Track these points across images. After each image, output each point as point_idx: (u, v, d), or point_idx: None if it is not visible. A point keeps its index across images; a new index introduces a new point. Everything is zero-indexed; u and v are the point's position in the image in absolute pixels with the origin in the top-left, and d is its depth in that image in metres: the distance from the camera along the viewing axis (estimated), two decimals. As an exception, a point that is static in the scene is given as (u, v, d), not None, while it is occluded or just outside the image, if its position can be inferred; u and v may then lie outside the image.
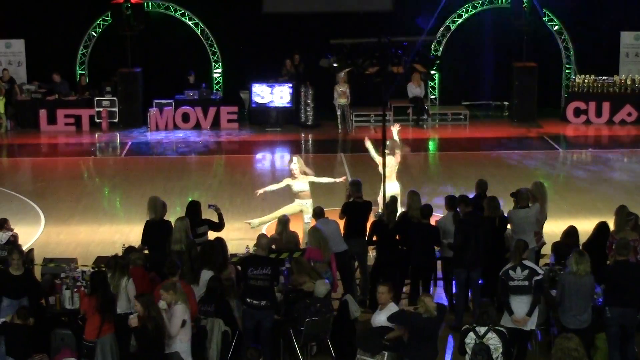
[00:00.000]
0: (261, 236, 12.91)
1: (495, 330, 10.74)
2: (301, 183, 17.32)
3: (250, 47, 29.50)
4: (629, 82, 28.49)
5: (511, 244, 14.32)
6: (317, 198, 17.76)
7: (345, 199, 15.53)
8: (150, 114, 28.23)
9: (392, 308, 11.82)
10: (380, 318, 11.85)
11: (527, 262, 12.22)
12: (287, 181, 17.50)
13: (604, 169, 23.70)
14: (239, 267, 13.33)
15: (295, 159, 17.57)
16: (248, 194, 20.84)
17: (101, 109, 28.32)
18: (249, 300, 12.46)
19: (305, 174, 17.49)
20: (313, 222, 15.18)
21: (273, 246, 15.00)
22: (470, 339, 10.74)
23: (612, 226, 13.95)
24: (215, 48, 29.47)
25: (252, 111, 28.87)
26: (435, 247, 14.67)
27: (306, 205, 17.14)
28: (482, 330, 10.74)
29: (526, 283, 11.94)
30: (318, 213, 14.94)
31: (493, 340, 10.68)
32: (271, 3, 29.58)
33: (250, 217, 18.32)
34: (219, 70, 29.68)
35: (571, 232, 14.20)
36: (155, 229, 14.20)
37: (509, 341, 10.83)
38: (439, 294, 15.21)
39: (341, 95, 27.64)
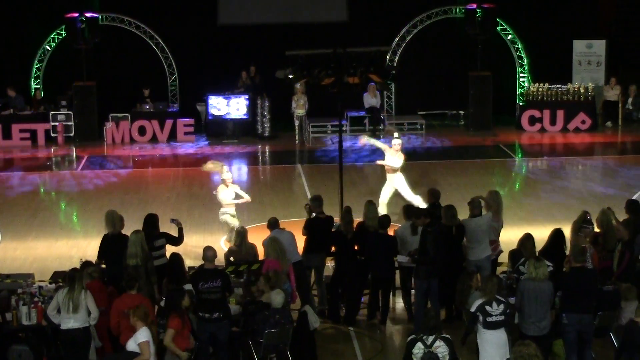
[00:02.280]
0: (207, 248, 12.87)
1: (442, 338, 10.77)
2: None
3: (205, 59, 29.47)
4: (582, 90, 28.80)
5: (466, 252, 14.45)
6: (273, 210, 17.79)
7: (307, 214, 15.44)
8: (106, 127, 28.09)
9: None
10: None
11: (500, 297, 11.77)
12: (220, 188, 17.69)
13: (559, 177, 23.91)
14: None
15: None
16: (206, 206, 20.81)
17: (57, 123, 28.12)
18: (201, 314, 12.47)
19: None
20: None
21: (231, 258, 15.00)
22: (419, 348, 10.74)
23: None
24: (170, 60, 29.40)
25: (208, 123, 28.81)
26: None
27: None
28: (429, 339, 10.75)
29: (502, 317, 11.62)
30: (273, 224, 14.94)
31: (441, 349, 10.72)
32: (226, 15, 29.63)
33: (208, 229, 18.33)
34: (175, 83, 29.60)
35: (527, 240, 14.18)
36: (113, 243, 14.12)
37: (454, 348, 10.84)
38: (398, 303, 15.28)
39: (299, 106, 27.68)
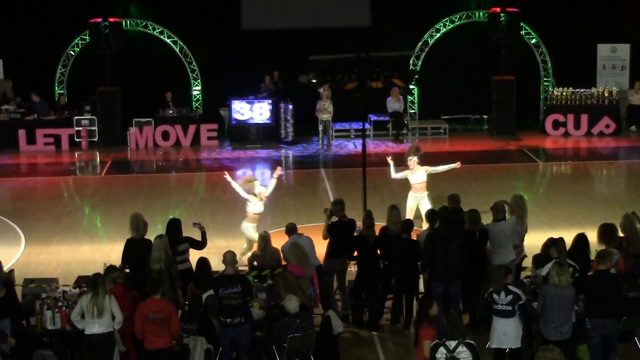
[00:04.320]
0: (226, 252, 12.92)
1: (465, 343, 10.79)
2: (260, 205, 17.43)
3: (229, 64, 29.54)
4: (606, 94, 28.66)
5: (490, 257, 14.42)
6: (296, 215, 17.78)
7: (326, 219, 15.38)
8: (130, 132, 28.20)
9: None
10: None
11: (511, 287, 12.23)
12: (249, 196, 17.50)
13: (583, 181, 23.80)
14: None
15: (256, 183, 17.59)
16: (229, 211, 20.85)
17: (80, 128, 28.25)
18: (222, 319, 12.53)
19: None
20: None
21: (255, 263, 15.02)
22: (441, 353, 10.78)
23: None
24: (194, 66, 29.48)
25: (231, 128, 28.87)
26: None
27: None
28: (452, 344, 10.78)
29: (509, 308, 12.03)
30: (291, 229, 14.95)
31: (464, 354, 10.73)
32: (250, 19, 29.68)
33: (231, 234, 18.33)
34: (198, 88, 29.68)
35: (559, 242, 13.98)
36: (136, 248, 14.18)
37: (478, 354, 10.87)
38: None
39: (323, 110, 27.67)
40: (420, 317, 11.66)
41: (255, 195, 17.27)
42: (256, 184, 17.49)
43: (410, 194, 18.31)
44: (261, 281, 14.27)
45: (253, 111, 28.50)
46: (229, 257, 12.77)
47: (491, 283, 12.49)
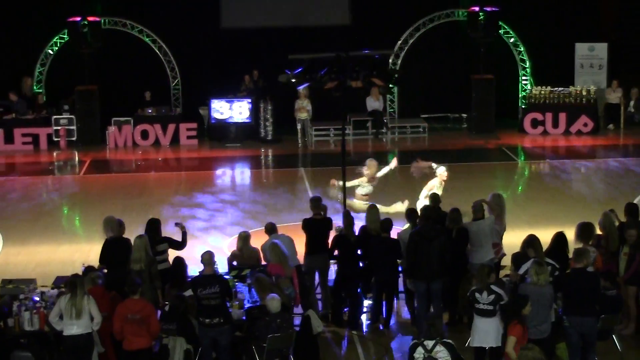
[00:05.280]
0: (204, 252, 12.92)
1: (443, 343, 10.80)
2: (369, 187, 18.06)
3: (208, 62, 29.49)
4: (584, 93, 28.80)
5: (469, 256, 14.46)
6: (276, 214, 17.77)
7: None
8: (109, 131, 28.11)
9: None
10: None
11: (494, 287, 12.26)
12: (358, 181, 18.15)
13: (562, 180, 23.90)
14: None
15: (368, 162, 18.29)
16: (209, 210, 20.80)
17: (59, 128, 28.14)
18: (201, 319, 12.53)
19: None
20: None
21: (234, 262, 15.01)
22: (419, 353, 10.79)
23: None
24: (173, 64, 29.41)
25: (211, 127, 28.83)
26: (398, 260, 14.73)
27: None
28: (430, 344, 10.79)
29: (491, 307, 12.10)
30: (270, 229, 14.96)
31: (442, 353, 10.75)
32: (229, 18, 29.66)
33: (212, 233, 18.28)
34: (178, 87, 29.61)
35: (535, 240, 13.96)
36: (115, 247, 14.14)
37: (457, 354, 10.89)
38: (402, 307, 15.27)
39: (301, 109, 27.69)
40: (511, 314, 11.66)
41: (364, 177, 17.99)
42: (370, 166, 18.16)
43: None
44: (241, 281, 14.25)
45: (233, 110, 28.48)
46: (207, 258, 12.76)
47: (474, 282, 12.53)
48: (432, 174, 17.89)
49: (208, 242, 18.14)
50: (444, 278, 14.11)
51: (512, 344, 11.13)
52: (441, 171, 17.81)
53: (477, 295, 12.21)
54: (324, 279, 15.25)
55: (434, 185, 17.64)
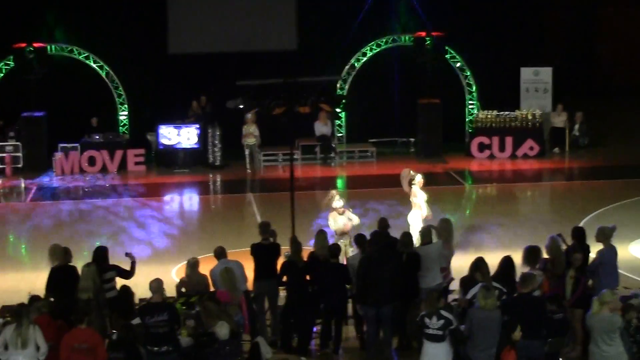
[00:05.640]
0: (153, 280, 12.85)
1: None
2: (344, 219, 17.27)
3: (156, 88, 29.39)
4: (530, 117, 29.13)
5: (420, 280, 14.53)
6: (225, 240, 17.71)
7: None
8: (55, 158, 27.87)
9: None
10: None
11: (443, 312, 12.30)
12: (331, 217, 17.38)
13: (509, 203, 24.10)
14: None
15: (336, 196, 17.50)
16: (156, 237, 20.69)
17: (5, 154, 27.85)
18: (149, 347, 12.44)
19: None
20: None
21: (183, 289, 14.92)
22: None
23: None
24: (120, 90, 29.27)
25: (159, 153, 28.70)
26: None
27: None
28: None
29: (441, 332, 12.12)
30: (220, 253, 14.89)
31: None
32: (176, 44, 29.59)
33: (159, 260, 18.19)
34: (125, 113, 29.45)
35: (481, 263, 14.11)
36: (61, 276, 14.02)
37: None
38: (351, 333, 15.27)
39: (249, 135, 27.67)
40: (503, 339, 11.65)
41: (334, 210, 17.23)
42: (335, 198, 17.36)
43: None
44: (189, 308, 14.17)
45: (181, 136, 28.39)
46: (155, 285, 12.70)
47: (423, 307, 12.54)
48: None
49: (156, 269, 17.99)
50: (394, 303, 14.14)
51: None
52: (418, 179, 18.20)
53: (426, 320, 12.24)
54: (273, 305, 15.22)
55: (417, 193, 17.93)
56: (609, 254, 14.42)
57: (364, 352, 14.47)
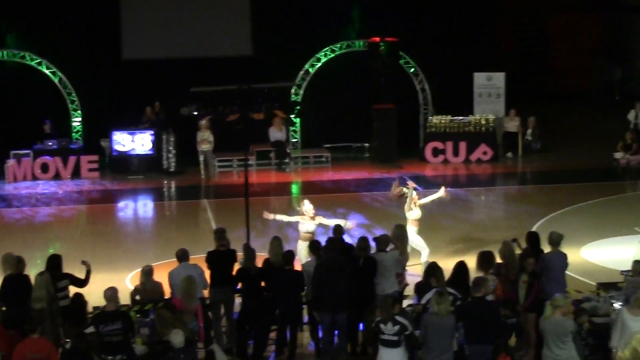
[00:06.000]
0: (107, 289, 12.80)
1: None
2: (311, 224, 17.11)
3: (110, 94, 29.20)
4: (483, 122, 29.34)
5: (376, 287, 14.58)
6: (179, 246, 17.65)
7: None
8: (7, 165, 27.59)
9: None
10: None
11: (399, 318, 12.35)
12: (298, 218, 17.24)
13: (463, 208, 24.24)
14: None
15: (306, 201, 17.29)
16: (111, 244, 20.57)
17: (-45, 162, 27.57)
18: (103, 356, 12.40)
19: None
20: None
21: (137, 297, 14.85)
22: None
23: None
24: (74, 96, 29.04)
25: (113, 159, 28.54)
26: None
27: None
28: None
29: (396, 338, 12.16)
30: (181, 255, 14.79)
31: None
32: (130, 50, 29.47)
33: (113, 268, 18.10)
34: (79, 119, 29.24)
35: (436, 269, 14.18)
36: (14, 285, 13.89)
37: None
38: (306, 339, 15.29)
39: (203, 141, 27.60)
40: (498, 345, 11.68)
41: (303, 214, 17.07)
42: (305, 203, 17.19)
43: None
44: (143, 316, 14.11)
45: (135, 142, 28.25)
46: (110, 294, 12.64)
47: (378, 313, 12.58)
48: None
49: (110, 276, 17.88)
50: (350, 309, 14.18)
51: None
52: (413, 195, 17.88)
53: (381, 326, 12.28)
54: (229, 312, 15.20)
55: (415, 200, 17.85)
56: (553, 259, 14.50)
57: (319, 358, 14.49)
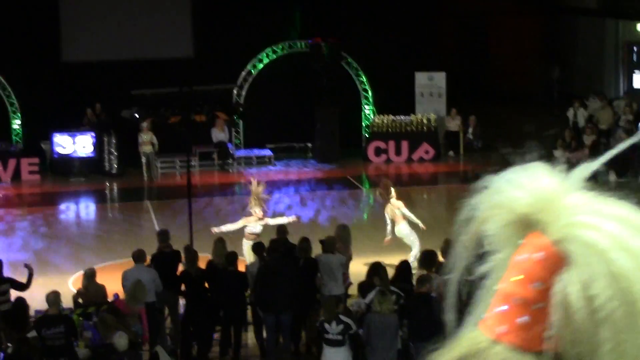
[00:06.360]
0: (49, 293, 12.73)
1: None
2: (258, 226, 16.99)
3: (50, 96, 28.87)
4: (425, 121, 29.57)
5: (319, 286, 14.64)
6: (122, 248, 17.56)
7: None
8: (-54, 168, 27.25)
9: None
10: None
11: (343, 317, 12.44)
12: (244, 222, 17.10)
13: (406, 206, 24.35)
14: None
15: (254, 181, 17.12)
16: (53, 247, 20.40)
17: None
18: None
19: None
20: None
21: (80, 300, 14.76)
22: None
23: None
24: (12, 98, 28.72)
25: (54, 162, 28.26)
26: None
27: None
28: None
29: (340, 337, 12.22)
30: (137, 257, 14.64)
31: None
32: (70, 51, 29.20)
33: (55, 271, 17.94)
34: (18, 122, 28.91)
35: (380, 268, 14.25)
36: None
37: None
38: (251, 339, 15.31)
39: (145, 143, 27.41)
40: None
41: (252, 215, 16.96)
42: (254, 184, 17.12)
43: None
44: (86, 319, 14.03)
45: (76, 144, 28.01)
46: (52, 298, 12.56)
47: (322, 312, 12.67)
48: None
49: (52, 280, 17.75)
50: (293, 310, 14.23)
51: None
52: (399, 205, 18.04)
53: (326, 325, 12.34)
54: (173, 314, 15.17)
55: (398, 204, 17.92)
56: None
57: (263, 358, 14.52)
